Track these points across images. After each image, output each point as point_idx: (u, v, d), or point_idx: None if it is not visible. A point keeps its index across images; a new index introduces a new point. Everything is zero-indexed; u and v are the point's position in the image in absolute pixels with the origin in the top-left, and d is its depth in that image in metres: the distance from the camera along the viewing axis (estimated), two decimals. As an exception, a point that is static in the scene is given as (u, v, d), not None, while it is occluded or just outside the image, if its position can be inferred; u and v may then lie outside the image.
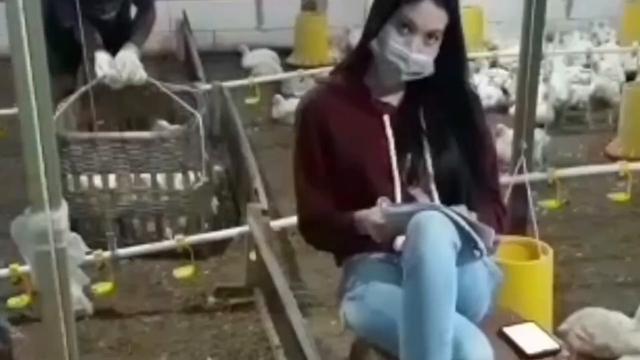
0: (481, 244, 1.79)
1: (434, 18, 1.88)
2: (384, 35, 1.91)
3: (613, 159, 4.48)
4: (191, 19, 7.26)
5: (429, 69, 1.94)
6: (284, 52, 7.03)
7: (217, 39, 7.79)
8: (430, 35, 1.90)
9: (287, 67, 6.51)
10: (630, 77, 5.77)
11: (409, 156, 1.97)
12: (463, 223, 1.77)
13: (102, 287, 3.14)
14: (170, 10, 7.65)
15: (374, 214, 1.88)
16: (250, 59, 6.81)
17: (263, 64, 6.59)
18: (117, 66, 3.67)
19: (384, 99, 2.02)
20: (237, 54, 6.97)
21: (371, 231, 1.89)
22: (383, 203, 1.86)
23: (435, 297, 1.72)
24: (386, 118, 1.96)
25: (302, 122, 2.01)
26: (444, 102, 1.98)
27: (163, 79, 5.42)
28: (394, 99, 2.03)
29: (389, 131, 1.96)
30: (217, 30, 7.80)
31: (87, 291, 3.05)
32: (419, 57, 1.91)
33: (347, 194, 1.97)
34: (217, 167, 4.11)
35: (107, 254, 3.09)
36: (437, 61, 1.94)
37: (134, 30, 3.94)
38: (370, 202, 1.91)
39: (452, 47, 1.94)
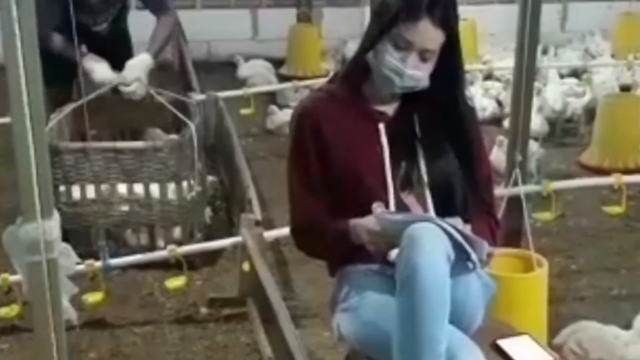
0: (474, 257, 1.78)
1: (431, 37, 1.89)
2: (381, 50, 1.92)
3: (587, 169, 4.52)
4: (186, 29, 7.26)
5: (423, 83, 1.95)
6: (279, 63, 7.05)
7: (212, 49, 7.80)
8: (426, 51, 1.91)
9: (281, 78, 6.53)
10: (625, 90, 5.79)
11: (403, 164, 1.97)
12: (457, 235, 1.77)
13: (93, 297, 3.11)
14: (165, 20, 7.69)
15: (369, 221, 1.87)
16: (245, 69, 6.81)
17: (258, 74, 6.58)
18: (125, 73, 3.62)
19: (379, 108, 2.02)
20: (232, 65, 6.97)
21: (365, 237, 1.88)
22: (378, 208, 1.86)
23: (429, 309, 1.72)
24: (381, 126, 1.97)
25: (297, 128, 2.01)
26: (439, 113, 1.98)
27: (158, 88, 5.45)
28: (389, 108, 2.04)
29: (384, 139, 1.96)
30: (212, 41, 7.81)
31: (74, 301, 3.01)
32: (414, 73, 1.92)
33: (341, 201, 1.97)
34: (210, 177, 4.10)
35: (98, 264, 3.07)
36: (435, 73, 1.94)
37: (150, 39, 3.81)
38: (364, 210, 1.90)
39: (449, 61, 1.94)
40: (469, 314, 1.89)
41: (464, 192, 1.96)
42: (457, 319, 1.81)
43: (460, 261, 1.79)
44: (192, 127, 3.56)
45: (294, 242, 2.12)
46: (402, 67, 1.90)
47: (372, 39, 1.94)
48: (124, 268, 3.36)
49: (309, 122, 1.99)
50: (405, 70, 1.90)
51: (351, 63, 2.04)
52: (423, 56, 1.91)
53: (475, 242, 1.79)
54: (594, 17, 8.22)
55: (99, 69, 3.67)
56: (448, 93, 1.97)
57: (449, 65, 1.95)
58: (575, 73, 6.44)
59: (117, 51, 3.84)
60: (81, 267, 3.05)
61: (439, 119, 1.98)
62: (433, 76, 1.94)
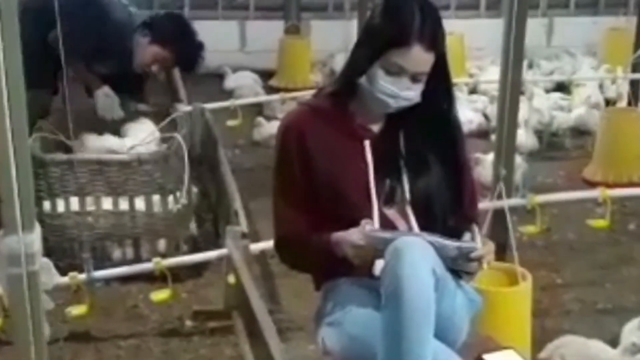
0: (469, 268, 1.80)
1: (422, 62, 1.90)
2: (372, 75, 1.92)
3: (591, 184, 4.51)
4: None
5: (415, 100, 1.96)
6: (266, 75, 7.04)
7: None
8: (418, 74, 1.92)
9: (270, 90, 6.53)
10: (610, 104, 5.83)
11: (387, 181, 1.97)
12: (445, 245, 1.78)
13: (77, 310, 3.09)
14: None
15: (354, 234, 1.87)
16: (232, 81, 6.80)
17: (245, 86, 6.58)
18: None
19: (365, 124, 2.02)
20: (219, 76, 6.98)
21: (349, 251, 1.88)
22: (367, 226, 1.86)
23: (414, 323, 1.71)
24: (367, 143, 1.98)
25: (282, 142, 2.01)
26: (426, 130, 1.99)
27: (146, 101, 5.45)
28: (375, 125, 2.04)
29: (369, 156, 1.97)
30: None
31: (52, 316, 3.00)
32: (408, 95, 1.93)
33: (325, 216, 1.96)
34: (195, 189, 4.08)
35: (82, 276, 3.05)
36: (423, 92, 1.95)
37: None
38: (348, 225, 1.90)
39: (438, 78, 1.95)
40: (454, 329, 1.89)
41: (446, 210, 1.97)
42: (442, 334, 1.81)
43: (448, 275, 1.80)
44: (179, 138, 3.55)
45: (278, 256, 2.11)
46: (396, 90, 1.91)
47: (362, 64, 1.94)
48: (109, 281, 3.34)
49: (294, 137, 1.99)
50: (400, 93, 1.92)
51: (339, 84, 2.03)
52: (415, 78, 1.92)
53: (468, 248, 1.80)
54: (580, 32, 8.29)
55: (107, 109, 3.83)
56: (438, 110, 1.98)
57: (438, 84, 1.95)
58: (559, 87, 6.50)
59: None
60: (65, 279, 3.04)
61: (425, 134, 1.99)
62: (423, 93, 1.95)
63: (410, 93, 1.93)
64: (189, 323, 3.22)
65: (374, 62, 1.91)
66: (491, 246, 1.94)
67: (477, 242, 1.87)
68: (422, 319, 1.72)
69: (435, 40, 1.90)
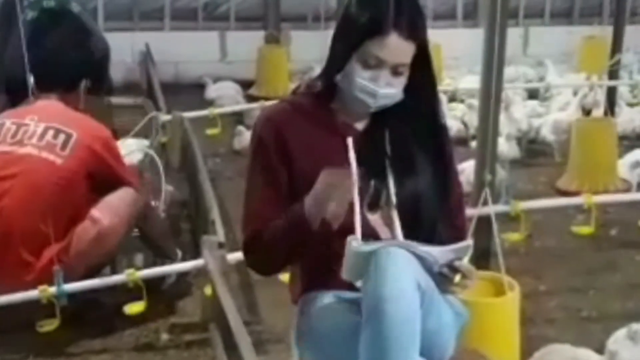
0: (455, 279, 1.70)
1: (401, 52, 1.79)
2: (350, 71, 1.81)
3: (566, 194, 4.49)
4: (154, 51, 7.25)
5: (398, 98, 1.85)
6: (247, 85, 7.04)
7: (180, 71, 7.78)
8: (398, 66, 1.82)
9: (249, 99, 6.53)
10: (587, 114, 5.83)
11: (371, 182, 1.87)
12: (431, 257, 1.69)
13: (48, 325, 2.98)
14: (133, 41, 7.66)
15: (313, 189, 1.76)
16: (213, 91, 6.83)
17: (226, 96, 6.60)
18: None
19: (349, 122, 1.92)
20: (200, 86, 6.98)
21: (314, 205, 1.75)
22: (353, 242, 1.73)
23: (397, 342, 1.60)
24: (349, 141, 1.85)
25: (259, 134, 1.87)
26: (413, 128, 1.89)
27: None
28: (359, 123, 1.94)
29: (352, 154, 1.85)
30: (180, 62, 7.79)
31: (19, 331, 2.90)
32: (387, 92, 1.81)
33: None
34: (170, 188, 3.98)
35: (53, 289, 2.94)
36: (407, 88, 1.86)
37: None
38: (328, 228, 1.80)
39: (421, 73, 1.85)
40: (441, 346, 1.78)
41: (433, 216, 1.87)
42: (428, 351, 1.70)
43: (433, 288, 1.70)
44: (152, 152, 3.47)
45: (245, 260, 1.96)
46: (374, 87, 1.79)
47: (340, 59, 1.84)
48: (81, 293, 3.23)
49: (273, 130, 1.86)
50: (378, 90, 1.80)
51: (320, 83, 1.93)
52: (395, 71, 1.81)
53: (458, 250, 1.71)
54: (555, 41, 8.33)
55: None
56: (424, 108, 1.88)
57: (422, 78, 1.86)
58: (534, 95, 6.52)
59: None
60: (35, 293, 2.94)
61: (412, 135, 1.89)
62: (406, 91, 1.86)
63: (391, 90, 1.82)
64: (164, 336, 3.13)
65: (351, 55, 1.80)
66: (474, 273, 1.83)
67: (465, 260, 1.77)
68: (406, 337, 1.61)
69: (414, 28, 1.79)
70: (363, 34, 1.79)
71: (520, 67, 7.36)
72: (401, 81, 1.84)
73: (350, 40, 1.81)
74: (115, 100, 4.92)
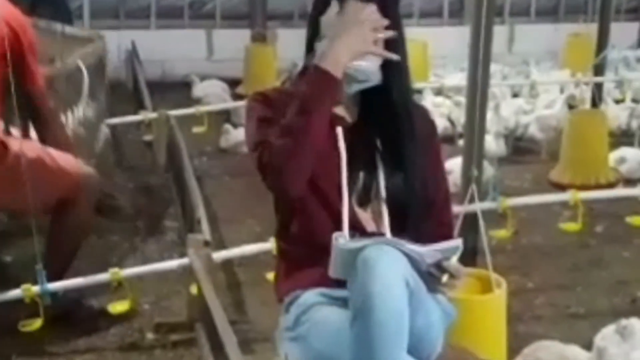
0: (444, 279, 1.68)
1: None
2: (318, 49, 1.79)
3: (559, 186, 4.50)
4: (141, 50, 7.23)
5: (374, 76, 1.78)
6: (234, 83, 7.02)
7: (167, 70, 7.76)
8: None
9: (237, 98, 6.51)
10: (572, 108, 5.85)
11: (361, 175, 1.83)
12: (419, 256, 1.66)
13: (31, 325, 2.94)
14: (119, 40, 7.63)
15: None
16: (200, 89, 6.82)
17: (213, 94, 6.59)
18: None
19: (338, 112, 1.88)
20: (187, 85, 6.96)
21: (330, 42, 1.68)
22: (340, 239, 1.70)
23: (386, 341, 1.58)
24: (339, 130, 1.82)
25: (251, 104, 1.82)
26: (399, 121, 1.86)
27: (112, 108, 5.38)
28: (349, 115, 1.90)
29: (342, 144, 1.81)
30: (167, 61, 7.79)
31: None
32: (358, 65, 1.74)
33: (292, 208, 1.82)
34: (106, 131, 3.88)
35: (36, 288, 2.90)
36: (386, 78, 1.81)
37: None
38: (317, 218, 1.77)
39: (395, 50, 1.77)
40: (429, 344, 1.76)
41: (421, 211, 1.85)
42: (416, 349, 1.68)
43: (422, 286, 1.68)
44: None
45: (268, 182, 1.72)
46: None
47: (309, 40, 1.81)
48: (65, 293, 3.19)
49: (264, 102, 1.81)
50: None
51: (302, 71, 1.90)
52: None
53: (446, 250, 1.68)
54: (541, 38, 8.36)
55: None
56: (398, 94, 1.80)
57: (396, 64, 1.77)
58: (518, 94, 6.53)
59: None
60: (17, 292, 2.90)
61: (400, 129, 1.84)
62: (386, 80, 1.80)
63: (361, 63, 1.73)
64: (150, 336, 3.10)
65: (318, 32, 1.78)
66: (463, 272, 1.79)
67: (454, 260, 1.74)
68: (394, 335, 1.59)
69: None
70: (324, 5, 1.77)
71: (498, 65, 7.38)
72: (373, 56, 1.75)
73: (316, 15, 1.79)
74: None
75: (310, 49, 1.84)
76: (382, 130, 1.85)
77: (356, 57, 1.73)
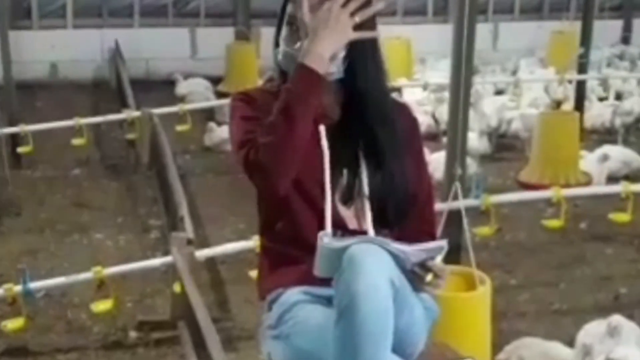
0: (428, 278, 1.68)
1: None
2: (280, 42, 1.78)
3: (527, 187, 4.51)
4: (124, 48, 7.19)
5: (338, 70, 1.74)
6: (218, 81, 7.01)
7: (150, 68, 7.73)
8: None
9: (219, 95, 6.48)
10: (558, 106, 5.87)
11: (344, 173, 1.83)
12: (403, 255, 1.66)
13: (13, 324, 2.92)
14: (102, 38, 7.58)
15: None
16: (183, 87, 6.80)
17: (196, 92, 6.57)
18: None
19: (321, 110, 1.87)
20: (171, 83, 6.94)
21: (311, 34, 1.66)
22: (324, 237, 1.69)
23: (370, 341, 1.57)
24: (322, 128, 1.81)
25: (234, 104, 1.80)
26: (380, 117, 1.85)
27: (95, 107, 5.36)
28: (332, 112, 1.89)
29: (324, 143, 1.80)
30: (150, 59, 7.75)
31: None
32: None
33: (275, 206, 1.80)
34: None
35: (18, 287, 2.88)
36: (360, 74, 1.79)
37: None
38: (303, 211, 1.75)
39: (365, 53, 1.75)
40: (412, 342, 1.75)
41: (404, 208, 1.84)
42: (400, 347, 1.67)
43: (406, 284, 1.67)
44: None
45: (255, 179, 1.70)
46: (290, 49, 1.73)
47: (275, 36, 1.81)
48: (47, 292, 3.18)
49: (247, 101, 1.80)
50: (296, 53, 1.71)
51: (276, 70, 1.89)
52: None
53: (430, 250, 1.68)
54: (525, 36, 8.39)
55: None
56: (373, 88, 1.77)
57: (367, 59, 1.75)
58: (502, 92, 6.56)
59: None
60: (-1, 291, 2.88)
61: (382, 126, 1.83)
62: (360, 76, 1.78)
63: None
64: (133, 334, 3.08)
65: (281, 27, 1.78)
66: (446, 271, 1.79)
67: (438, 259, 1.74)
68: (379, 334, 1.58)
69: None
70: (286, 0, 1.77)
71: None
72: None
73: (280, 11, 1.79)
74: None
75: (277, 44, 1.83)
76: (364, 128, 1.84)
77: (338, 48, 1.72)
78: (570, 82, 5.90)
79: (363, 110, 1.88)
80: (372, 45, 1.79)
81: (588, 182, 4.62)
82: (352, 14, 1.72)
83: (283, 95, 1.69)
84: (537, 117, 5.10)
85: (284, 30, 1.77)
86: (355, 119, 1.86)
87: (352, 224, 1.83)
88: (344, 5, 1.71)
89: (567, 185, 4.36)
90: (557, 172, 4.66)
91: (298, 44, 1.73)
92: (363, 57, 1.77)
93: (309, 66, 1.71)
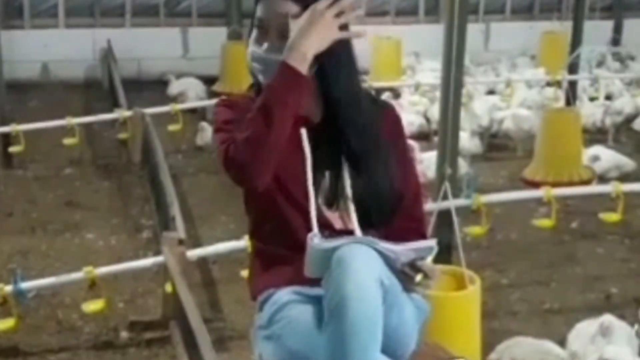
0: (418, 279, 1.67)
1: (279, 10, 1.73)
2: (249, 44, 1.78)
3: (532, 184, 4.52)
4: (117, 48, 7.18)
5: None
6: (210, 81, 6.98)
7: (143, 68, 7.71)
8: (282, 28, 1.72)
9: (213, 95, 6.48)
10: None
11: (327, 175, 1.83)
12: (393, 255, 1.66)
13: (4, 324, 2.91)
14: (94, 38, 7.56)
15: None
16: (176, 87, 6.79)
17: (188, 92, 6.55)
18: None
19: (303, 114, 1.87)
20: (163, 83, 6.93)
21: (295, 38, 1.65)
22: (314, 238, 1.69)
23: (360, 340, 1.57)
24: (303, 131, 1.81)
25: (217, 110, 1.80)
26: (363, 119, 1.85)
27: (87, 107, 5.34)
28: (314, 115, 1.90)
29: (306, 145, 1.80)
30: (142, 59, 7.73)
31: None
32: (277, 57, 1.69)
33: (259, 210, 1.81)
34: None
35: (9, 287, 2.87)
36: (331, 78, 1.79)
37: None
38: (290, 213, 1.75)
39: (336, 57, 1.73)
40: (403, 342, 1.75)
41: (390, 207, 1.84)
42: (390, 348, 1.68)
43: (396, 284, 1.67)
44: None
45: (233, 175, 1.71)
46: (259, 52, 1.73)
47: (247, 37, 1.81)
48: (38, 292, 3.17)
49: (230, 108, 1.81)
50: (264, 56, 1.72)
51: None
52: (283, 34, 1.71)
53: (420, 249, 1.68)
54: (516, 36, 8.41)
55: None
56: (347, 90, 1.76)
57: (339, 60, 1.73)
58: (493, 91, 6.57)
59: None
60: (-10, 291, 2.87)
61: (364, 128, 1.83)
62: (335, 79, 1.78)
63: (279, 56, 1.69)
64: (124, 334, 3.08)
65: (251, 30, 1.79)
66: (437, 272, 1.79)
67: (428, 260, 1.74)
68: (368, 335, 1.58)
69: None
70: (256, 2, 1.78)
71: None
72: None
73: (253, 11, 1.80)
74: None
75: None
76: (345, 129, 1.84)
77: (322, 47, 1.72)
78: (560, 84, 5.93)
79: (336, 115, 1.88)
80: (343, 48, 1.79)
81: (591, 178, 4.64)
82: (337, 15, 1.73)
83: (263, 92, 1.70)
84: (540, 116, 5.11)
85: (253, 33, 1.78)
86: (338, 123, 1.86)
87: (338, 225, 1.84)
88: (330, 6, 1.72)
89: (571, 182, 4.38)
90: (561, 169, 4.68)
91: (265, 45, 1.74)
92: (334, 60, 1.75)
93: (290, 65, 1.71)
